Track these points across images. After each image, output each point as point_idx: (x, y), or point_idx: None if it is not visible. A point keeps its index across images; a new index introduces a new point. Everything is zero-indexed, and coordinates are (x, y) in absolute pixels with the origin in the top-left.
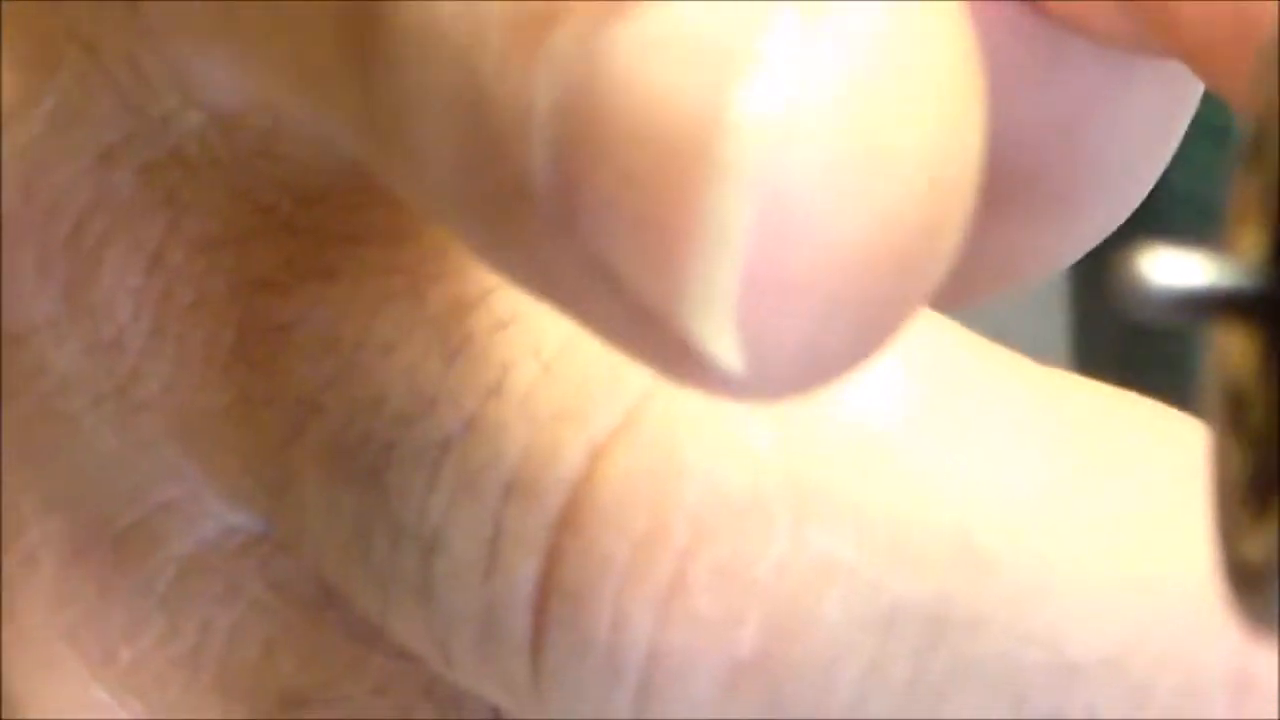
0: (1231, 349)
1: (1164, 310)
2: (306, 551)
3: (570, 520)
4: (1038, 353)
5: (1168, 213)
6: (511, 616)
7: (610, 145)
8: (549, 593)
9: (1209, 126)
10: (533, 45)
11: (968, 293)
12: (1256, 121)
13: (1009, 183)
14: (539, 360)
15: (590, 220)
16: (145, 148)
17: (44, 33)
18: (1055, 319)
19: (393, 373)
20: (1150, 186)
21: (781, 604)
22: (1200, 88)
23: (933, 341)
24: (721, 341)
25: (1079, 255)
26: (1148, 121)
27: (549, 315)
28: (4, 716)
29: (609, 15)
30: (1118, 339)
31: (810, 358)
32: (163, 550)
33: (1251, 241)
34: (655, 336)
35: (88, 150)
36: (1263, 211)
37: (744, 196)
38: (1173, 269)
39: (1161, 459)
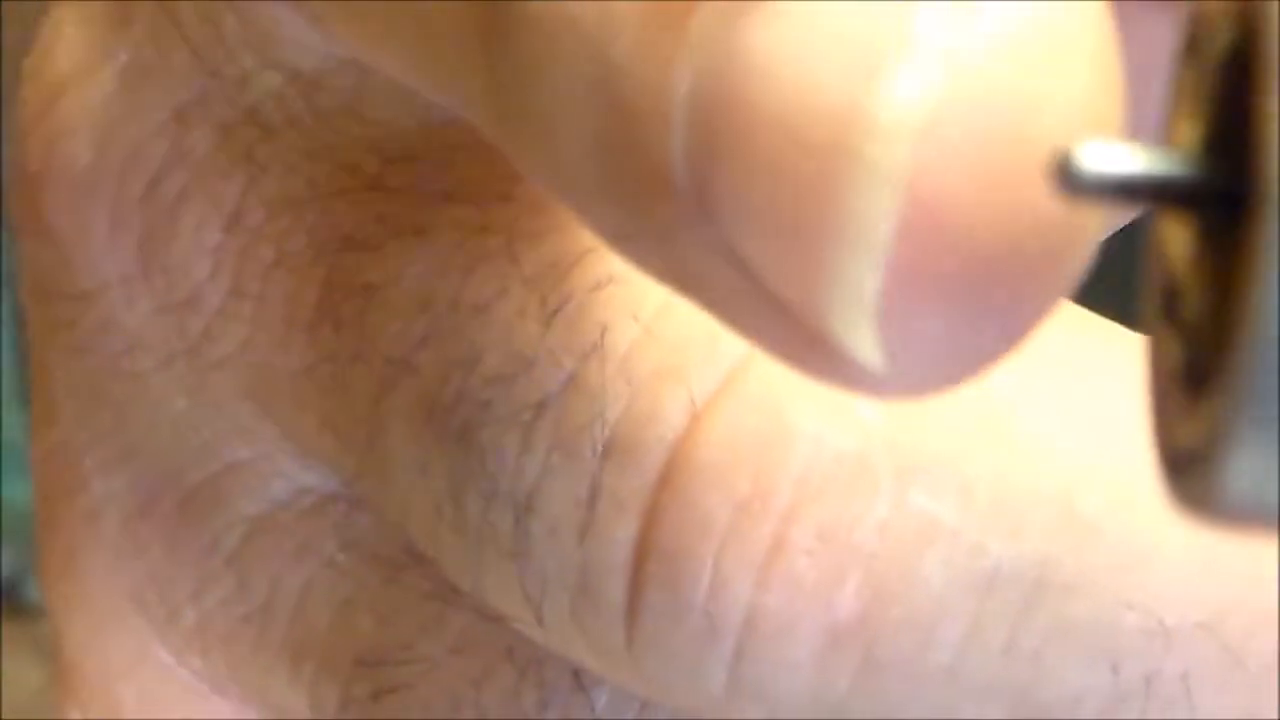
0: (1167, 240)
1: (1099, 197)
2: (391, 511)
3: (670, 480)
4: None
5: None
6: (608, 578)
7: (750, 137)
8: (646, 554)
9: None
10: (670, 32)
11: None
12: (1194, 14)
13: None
14: (638, 321)
15: (728, 211)
16: (221, 107)
17: None
18: None
19: (489, 332)
20: None
21: (882, 566)
22: None
23: None
24: (863, 340)
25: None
26: None
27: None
28: (61, 671)
29: (748, 2)
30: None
31: (952, 356)
32: (232, 509)
33: (1187, 133)
34: (792, 331)
35: (161, 107)
36: (1198, 103)
37: (889, 196)
38: (1107, 156)
39: None
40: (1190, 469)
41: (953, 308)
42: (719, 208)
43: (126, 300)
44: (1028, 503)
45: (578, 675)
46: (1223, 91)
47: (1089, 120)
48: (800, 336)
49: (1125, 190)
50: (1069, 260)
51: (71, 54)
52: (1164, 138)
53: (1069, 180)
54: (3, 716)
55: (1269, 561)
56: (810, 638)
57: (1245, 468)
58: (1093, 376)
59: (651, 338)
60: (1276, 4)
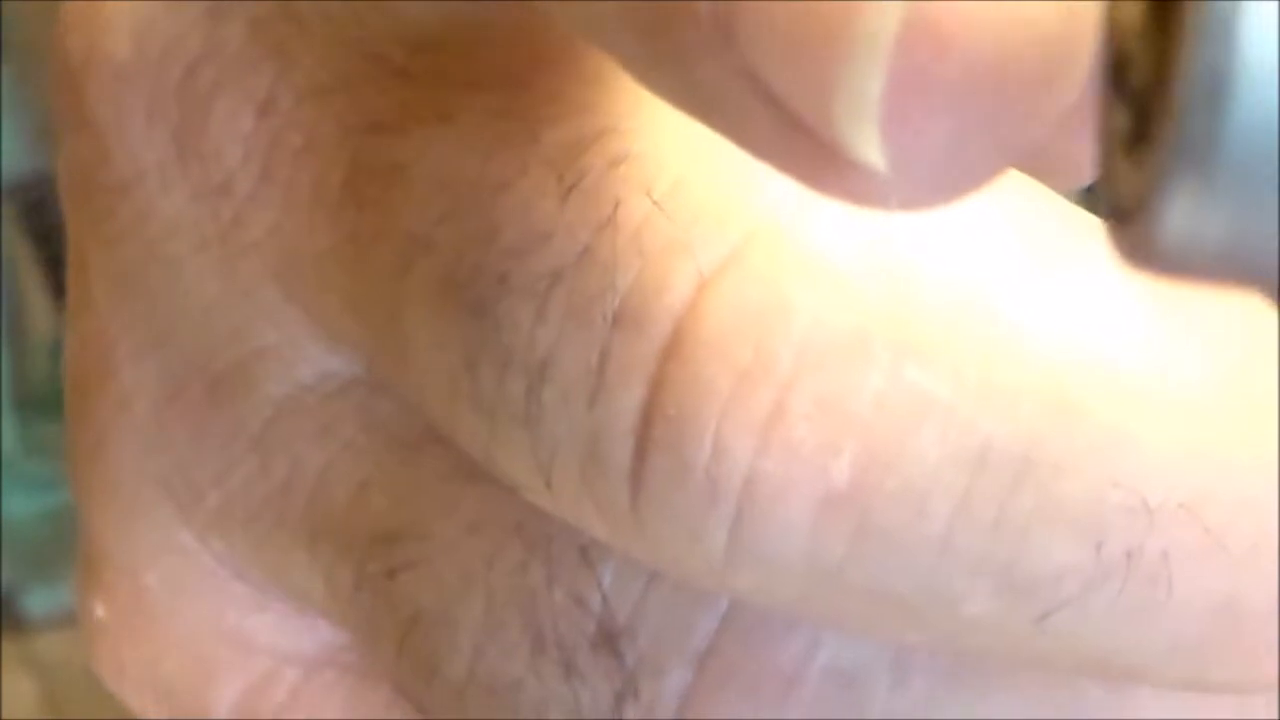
0: (1118, 14)
1: None
2: (409, 387)
3: (676, 350)
4: None
5: None
6: (615, 442)
7: None
8: (652, 419)
9: None
10: None
11: None
12: None
13: None
14: (650, 197)
15: (747, 32)
16: (253, 1)
17: None
18: None
19: (507, 208)
20: None
21: (878, 437)
22: None
23: (1033, 204)
24: (867, 143)
25: None
26: None
27: (661, 154)
28: (85, 560)
29: None
30: None
31: (950, 163)
32: (258, 392)
33: None
34: (804, 144)
35: (196, 2)
36: None
37: (890, 8)
38: None
39: (1242, 323)
40: (1131, 219)
41: (951, 114)
42: (738, 30)
43: (163, 187)
44: (1017, 384)
45: (585, 551)
46: None
47: None
48: (813, 151)
49: None
50: (1065, 72)
51: None
52: None
53: None
54: None
55: (1251, 449)
56: (807, 502)
57: (1180, 214)
58: (1084, 267)
59: (662, 213)
60: None
